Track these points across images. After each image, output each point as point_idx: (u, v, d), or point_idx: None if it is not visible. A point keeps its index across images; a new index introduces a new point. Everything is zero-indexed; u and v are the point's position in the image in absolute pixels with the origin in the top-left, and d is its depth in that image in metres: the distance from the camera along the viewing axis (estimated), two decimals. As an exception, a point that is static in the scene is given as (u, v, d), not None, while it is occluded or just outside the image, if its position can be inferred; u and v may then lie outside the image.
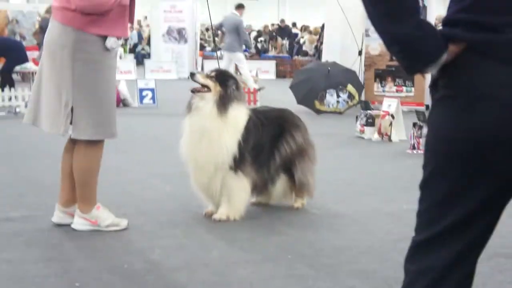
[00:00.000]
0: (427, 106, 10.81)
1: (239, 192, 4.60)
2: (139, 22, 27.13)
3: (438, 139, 1.75)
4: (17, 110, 10.31)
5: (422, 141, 7.32)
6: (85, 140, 4.14)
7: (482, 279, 3.32)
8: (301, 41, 23.40)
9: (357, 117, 8.81)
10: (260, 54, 23.94)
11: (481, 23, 1.67)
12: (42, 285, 3.40)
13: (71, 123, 4.10)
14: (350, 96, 11.17)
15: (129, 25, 4.33)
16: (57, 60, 4.08)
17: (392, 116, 8.27)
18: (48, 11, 13.96)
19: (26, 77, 14.64)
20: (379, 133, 8.39)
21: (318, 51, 19.19)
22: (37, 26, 18.74)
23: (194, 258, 3.82)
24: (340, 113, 11.06)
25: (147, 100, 12.10)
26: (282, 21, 26.95)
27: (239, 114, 4.60)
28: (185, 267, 3.67)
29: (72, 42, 4.04)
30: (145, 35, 26.38)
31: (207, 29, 25.10)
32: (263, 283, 3.45)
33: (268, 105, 5.31)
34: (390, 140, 8.23)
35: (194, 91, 4.60)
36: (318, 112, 11.01)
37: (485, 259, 2.66)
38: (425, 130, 7.24)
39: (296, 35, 25.05)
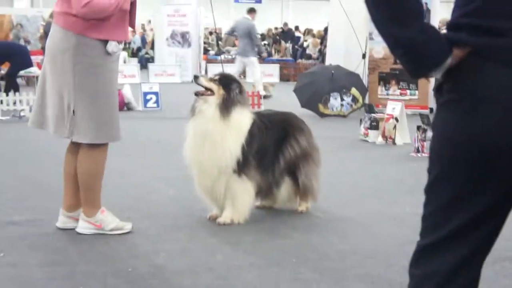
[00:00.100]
0: (431, 109, 10.80)
1: (243, 195, 4.60)
2: (142, 26, 27.16)
3: (443, 143, 1.75)
4: (22, 114, 10.32)
5: (426, 144, 7.30)
6: (88, 143, 4.15)
7: (487, 284, 3.29)
8: (305, 44, 23.40)
9: (361, 120, 8.80)
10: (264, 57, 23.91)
11: (486, 28, 1.66)
12: (46, 289, 3.40)
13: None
14: (354, 99, 11.16)
15: (130, 29, 4.33)
16: (58, 64, 4.09)
17: (396, 119, 8.26)
18: (52, 15, 13.97)
19: (31, 82, 14.68)
20: (383, 136, 8.38)
21: (321, 54, 19.18)
22: (41, 30, 18.77)
23: (198, 261, 3.82)
24: (344, 116, 11.05)
25: (151, 104, 12.13)
26: (285, 24, 26.97)
27: (242, 118, 4.60)
28: (189, 270, 3.67)
29: (73, 46, 4.05)
30: (148, 39, 26.41)
31: (210, 33, 25.10)
32: (267, 287, 3.45)
33: (272, 109, 5.31)
34: (394, 143, 8.22)
35: (197, 94, 4.61)
36: (322, 115, 11.00)
37: (490, 263, 2.65)
38: (429, 133, 7.23)
39: (299, 38, 25.05)
